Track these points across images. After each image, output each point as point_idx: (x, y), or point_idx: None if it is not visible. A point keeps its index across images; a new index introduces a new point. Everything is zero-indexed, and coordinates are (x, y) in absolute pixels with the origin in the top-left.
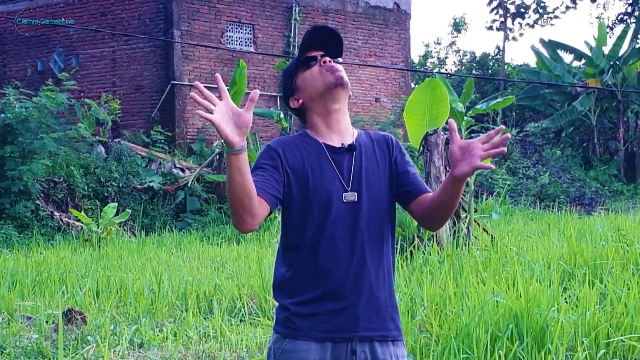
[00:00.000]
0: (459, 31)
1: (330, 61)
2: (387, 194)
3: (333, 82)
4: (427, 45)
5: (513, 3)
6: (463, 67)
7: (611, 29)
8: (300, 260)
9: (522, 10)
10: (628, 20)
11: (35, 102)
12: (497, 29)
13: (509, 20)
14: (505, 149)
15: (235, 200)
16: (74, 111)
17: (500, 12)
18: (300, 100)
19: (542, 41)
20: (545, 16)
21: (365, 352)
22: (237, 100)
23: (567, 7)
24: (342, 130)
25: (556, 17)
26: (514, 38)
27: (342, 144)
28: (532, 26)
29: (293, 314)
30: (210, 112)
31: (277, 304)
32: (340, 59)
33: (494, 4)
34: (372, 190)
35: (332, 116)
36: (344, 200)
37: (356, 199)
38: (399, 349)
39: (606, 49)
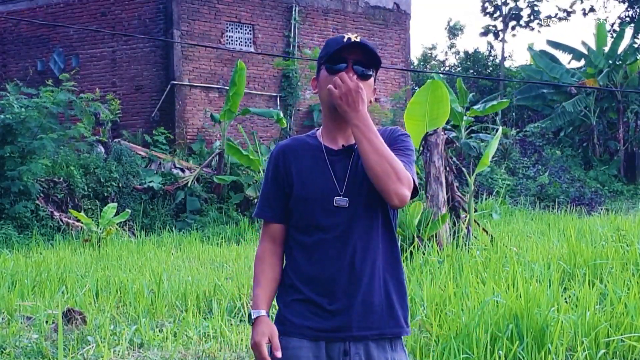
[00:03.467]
0: (455, 35)
1: (354, 75)
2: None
3: (331, 103)
4: (426, 48)
5: (506, 4)
6: (460, 68)
7: (613, 31)
8: (292, 261)
9: (516, 13)
10: (628, 21)
11: (35, 101)
12: (494, 34)
13: (500, 24)
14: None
15: None
16: (73, 109)
17: (496, 15)
18: (316, 90)
19: (531, 48)
20: (543, 19)
21: (359, 355)
22: (236, 102)
23: (560, 19)
24: (348, 131)
25: (547, 25)
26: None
27: (342, 146)
28: (525, 27)
29: (287, 311)
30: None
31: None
32: (371, 72)
33: (489, 8)
34: (367, 195)
35: (338, 119)
36: (335, 204)
37: (347, 205)
38: (397, 354)
39: (605, 49)
